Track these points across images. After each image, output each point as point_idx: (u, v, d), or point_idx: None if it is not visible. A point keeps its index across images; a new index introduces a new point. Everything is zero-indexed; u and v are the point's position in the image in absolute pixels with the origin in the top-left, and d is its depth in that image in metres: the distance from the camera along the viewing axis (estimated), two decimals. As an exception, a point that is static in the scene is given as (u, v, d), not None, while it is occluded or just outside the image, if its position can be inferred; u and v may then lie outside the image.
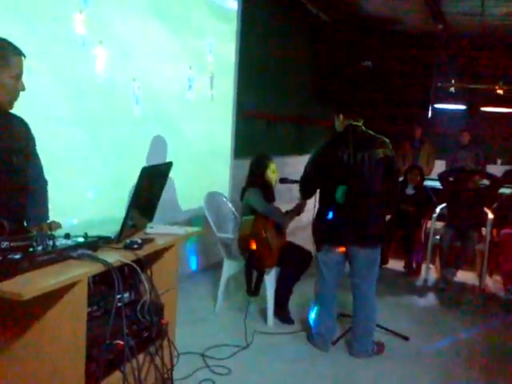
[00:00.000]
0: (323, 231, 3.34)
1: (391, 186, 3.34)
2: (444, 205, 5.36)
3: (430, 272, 5.20)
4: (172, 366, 2.25)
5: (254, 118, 5.92)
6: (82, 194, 3.26)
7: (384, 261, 5.19)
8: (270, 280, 3.75)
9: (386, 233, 3.51)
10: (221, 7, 4.90)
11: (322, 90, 7.47)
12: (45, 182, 2.30)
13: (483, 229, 5.14)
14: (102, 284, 1.88)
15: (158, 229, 2.31)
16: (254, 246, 3.56)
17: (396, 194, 3.90)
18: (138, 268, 1.92)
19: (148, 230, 2.27)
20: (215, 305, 4.01)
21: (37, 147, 2.22)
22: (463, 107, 7.98)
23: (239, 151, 5.36)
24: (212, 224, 4.00)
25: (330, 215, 3.27)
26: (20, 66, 2.00)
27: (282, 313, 3.83)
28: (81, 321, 1.73)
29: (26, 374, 1.71)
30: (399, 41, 7.70)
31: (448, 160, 7.46)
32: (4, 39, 1.99)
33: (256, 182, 3.80)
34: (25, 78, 2.04)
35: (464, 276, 5.22)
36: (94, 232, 1.92)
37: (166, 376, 2.17)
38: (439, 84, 8.03)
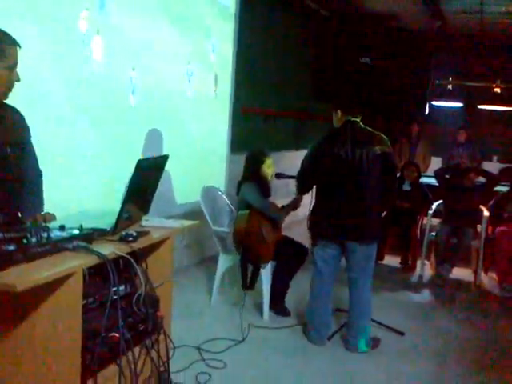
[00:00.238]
0: (320, 226, 3.34)
1: (389, 182, 3.34)
2: (440, 201, 5.37)
3: (425, 268, 5.21)
4: (168, 359, 2.24)
5: (251, 114, 5.91)
6: (78, 186, 3.25)
7: (379, 257, 5.20)
8: (265, 274, 3.75)
9: (381, 229, 3.52)
10: (218, 2, 4.87)
11: (320, 86, 7.46)
12: (39, 173, 2.27)
13: (479, 226, 5.16)
14: (97, 276, 1.87)
15: (154, 222, 2.30)
16: (248, 241, 3.55)
17: (394, 191, 3.90)
18: (132, 260, 1.91)
19: (143, 223, 2.25)
20: (211, 298, 4.01)
21: (32, 138, 2.20)
22: (460, 105, 7.98)
23: (236, 146, 5.36)
24: (208, 218, 4.00)
25: (328, 210, 3.28)
26: (15, 56, 1.95)
27: (277, 307, 3.84)
28: (76, 313, 1.71)
29: (21, 367, 1.69)
30: (398, 38, 7.68)
31: (444, 157, 7.49)
32: None
33: (252, 177, 3.79)
34: (22, 70, 2.01)
35: (459, 273, 5.23)
36: (89, 224, 1.90)
37: (162, 369, 2.16)
38: (437, 81, 8.03)
